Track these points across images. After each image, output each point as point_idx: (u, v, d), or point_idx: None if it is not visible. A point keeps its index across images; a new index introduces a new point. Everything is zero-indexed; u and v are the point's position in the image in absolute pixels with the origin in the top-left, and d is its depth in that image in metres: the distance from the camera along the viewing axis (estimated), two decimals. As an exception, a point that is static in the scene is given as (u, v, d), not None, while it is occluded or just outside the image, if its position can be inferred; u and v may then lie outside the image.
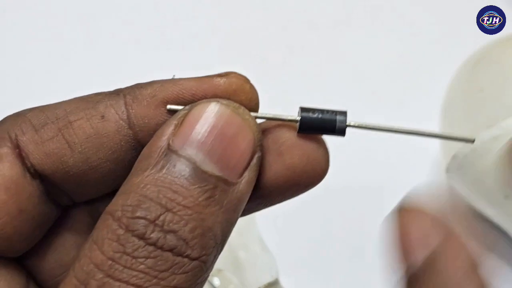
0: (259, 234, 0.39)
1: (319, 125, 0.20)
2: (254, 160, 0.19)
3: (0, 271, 0.22)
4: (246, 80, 0.21)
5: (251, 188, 0.20)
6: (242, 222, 0.35)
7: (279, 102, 0.39)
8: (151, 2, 0.58)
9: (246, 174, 0.19)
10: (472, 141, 0.21)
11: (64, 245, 0.23)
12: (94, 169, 0.21)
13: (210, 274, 0.32)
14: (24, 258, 0.22)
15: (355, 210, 0.43)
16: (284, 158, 0.20)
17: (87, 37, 0.56)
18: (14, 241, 0.21)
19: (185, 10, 0.57)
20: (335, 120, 0.20)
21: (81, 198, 0.22)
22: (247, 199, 0.20)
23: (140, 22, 0.56)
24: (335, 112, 0.20)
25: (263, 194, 0.21)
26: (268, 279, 0.36)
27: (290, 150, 0.20)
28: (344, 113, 0.20)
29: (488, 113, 0.37)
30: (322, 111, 0.20)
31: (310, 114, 0.20)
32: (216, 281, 0.35)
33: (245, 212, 0.21)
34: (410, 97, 0.49)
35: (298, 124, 0.20)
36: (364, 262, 0.41)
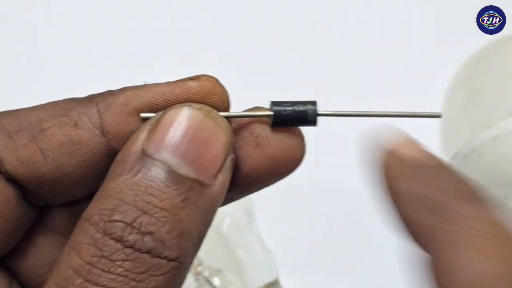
0: (259, 234, 0.39)
1: (291, 118, 0.20)
2: (228, 162, 0.19)
3: None
4: (217, 82, 0.21)
5: (226, 189, 0.20)
6: (242, 222, 0.37)
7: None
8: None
9: (220, 175, 0.19)
10: (439, 116, 0.20)
11: (46, 245, 0.23)
12: (67, 176, 0.21)
13: (211, 274, 0.35)
14: (6, 259, 0.22)
15: (356, 210, 0.41)
16: (263, 148, 0.21)
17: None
18: None
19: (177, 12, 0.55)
20: (306, 111, 0.20)
21: (56, 201, 0.22)
22: (222, 199, 0.20)
23: (138, 20, 0.54)
24: (305, 103, 0.20)
25: (244, 183, 0.21)
26: (268, 279, 0.36)
27: (267, 140, 0.21)
28: (314, 103, 0.20)
29: (488, 113, 0.37)
30: (293, 103, 0.20)
31: (282, 108, 0.20)
32: (216, 281, 0.35)
33: (227, 201, 0.20)
34: (410, 96, 0.46)
35: (271, 119, 0.20)
36: (364, 262, 0.41)
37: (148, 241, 0.18)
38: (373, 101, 0.54)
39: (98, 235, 0.18)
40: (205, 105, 0.20)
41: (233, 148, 0.20)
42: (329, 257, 0.41)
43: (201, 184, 0.19)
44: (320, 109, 0.20)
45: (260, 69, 0.53)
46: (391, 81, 0.49)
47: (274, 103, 0.20)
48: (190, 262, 0.19)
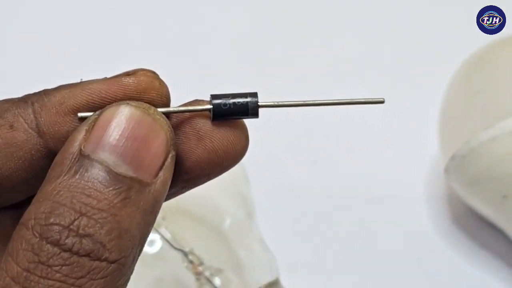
0: (260, 234, 0.38)
1: (232, 110, 0.20)
2: (169, 160, 0.20)
3: None
4: (155, 77, 0.21)
5: (168, 186, 0.20)
6: (243, 223, 0.37)
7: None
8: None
9: (161, 173, 0.19)
10: (382, 101, 0.20)
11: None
12: (6, 179, 0.21)
13: (211, 273, 0.34)
14: None
15: (356, 211, 0.43)
16: (204, 142, 0.21)
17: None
18: None
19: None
20: (246, 103, 0.20)
21: (4, 203, 0.22)
22: (163, 198, 0.20)
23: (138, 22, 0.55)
24: (246, 95, 0.21)
25: (188, 178, 0.21)
26: (268, 278, 0.36)
27: (209, 134, 0.21)
28: (255, 95, 0.20)
29: (486, 114, 0.38)
30: (233, 95, 0.20)
31: (221, 101, 0.20)
32: (217, 280, 0.34)
33: (171, 196, 0.21)
34: (409, 97, 0.48)
35: (211, 113, 0.21)
36: (364, 261, 0.41)
37: (86, 244, 0.18)
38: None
39: (35, 240, 0.18)
40: (142, 102, 0.20)
41: (173, 144, 0.20)
42: (330, 257, 0.42)
43: (141, 182, 0.19)
44: (262, 100, 0.20)
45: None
46: (390, 81, 0.49)
47: (213, 96, 0.20)
48: (133, 263, 0.19)
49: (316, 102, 0.21)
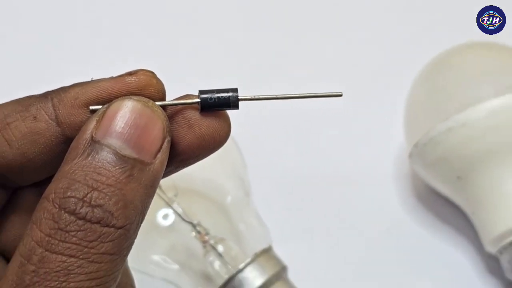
0: (255, 210, 0.41)
1: (216, 103, 0.23)
2: (165, 144, 0.22)
3: None
4: (153, 76, 0.23)
5: (164, 166, 0.22)
6: (241, 201, 0.40)
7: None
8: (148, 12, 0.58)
9: (159, 155, 0.22)
10: (340, 95, 0.24)
11: (19, 221, 0.25)
12: (31, 161, 0.23)
13: (215, 242, 0.37)
14: None
15: (336, 190, 0.46)
16: (194, 129, 0.23)
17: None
18: None
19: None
20: (228, 97, 0.23)
21: (24, 183, 0.24)
22: (161, 175, 0.22)
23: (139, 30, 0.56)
24: (228, 90, 0.23)
25: (181, 159, 0.23)
26: (263, 246, 0.38)
27: (198, 122, 0.23)
28: (235, 90, 0.23)
29: (444, 109, 0.40)
30: (218, 91, 0.23)
31: (208, 96, 0.23)
32: (220, 248, 0.38)
33: (167, 174, 0.24)
34: (382, 95, 0.51)
35: (199, 105, 0.23)
36: (342, 231, 0.45)
37: (97, 213, 0.20)
38: (356, 98, 0.50)
39: (55, 210, 0.20)
40: (143, 97, 0.22)
41: (169, 131, 0.22)
42: (313, 228, 0.45)
43: (142, 163, 0.21)
44: (241, 95, 0.23)
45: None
46: (390, 81, 0.51)
47: (201, 92, 0.23)
48: (136, 229, 0.21)
49: (284, 96, 0.24)
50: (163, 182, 0.33)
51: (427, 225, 0.46)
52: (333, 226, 0.45)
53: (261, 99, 0.24)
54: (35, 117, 0.23)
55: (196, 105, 0.23)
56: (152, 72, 0.23)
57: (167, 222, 0.39)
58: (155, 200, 0.33)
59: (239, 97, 0.22)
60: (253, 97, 0.23)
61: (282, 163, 0.47)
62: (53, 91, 0.23)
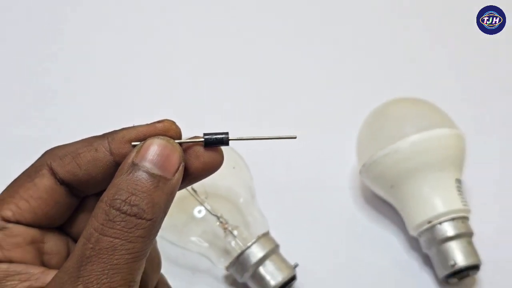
0: (258, 207, 0.46)
1: (214, 142, 0.25)
2: (180, 167, 0.24)
3: (50, 236, 0.27)
4: (173, 123, 0.25)
5: (179, 182, 0.24)
6: (249, 200, 0.43)
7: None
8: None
9: (176, 175, 0.24)
10: (295, 137, 0.26)
11: (85, 218, 0.27)
12: (93, 178, 0.25)
13: (232, 228, 0.41)
14: (64, 227, 0.27)
15: (310, 195, 0.51)
16: (199, 159, 0.25)
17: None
18: (55, 219, 0.27)
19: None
20: (222, 138, 0.25)
21: (89, 193, 0.27)
22: (178, 187, 0.24)
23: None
24: (222, 133, 0.25)
25: (190, 178, 0.26)
26: (263, 231, 0.43)
27: (202, 154, 0.25)
28: (227, 133, 0.25)
29: (382, 141, 0.46)
30: (215, 133, 0.25)
31: (208, 137, 0.25)
32: (235, 232, 0.43)
33: (182, 187, 0.25)
34: (342, 130, 0.54)
35: (202, 142, 0.25)
36: (315, 221, 0.49)
37: (134, 209, 0.22)
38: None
39: (107, 208, 0.22)
40: (166, 137, 0.24)
41: (183, 159, 0.24)
42: (294, 219, 0.50)
43: (165, 179, 0.23)
44: (231, 136, 0.25)
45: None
46: (347, 124, 0.52)
47: (205, 134, 0.25)
48: (160, 221, 0.24)
49: (259, 137, 0.26)
50: (197, 188, 0.41)
51: (371, 218, 0.50)
52: (309, 219, 0.50)
53: (243, 139, 0.26)
54: (96, 149, 0.25)
55: (201, 143, 0.25)
56: (173, 121, 0.25)
57: (200, 215, 0.43)
58: (193, 200, 0.40)
59: (229, 138, 0.25)
60: (238, 138, 0.26)
61: (275, 177, 0.51)
62: (109, 133, 0.26)
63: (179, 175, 0.25)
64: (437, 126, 0.45)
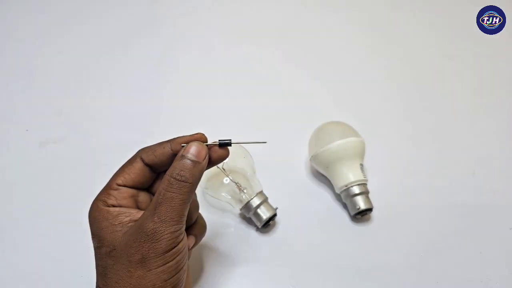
0: (258, 178, 0.64)
1: (224, 144, 0.38)
2: (206, 157, 0.38)
3: (141, 193, 0.41)
4: (203, 134, 0.39)
5: (206, 165, 0.38)
6: (252, 174, 0.64)
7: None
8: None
9: (204, 161, 0.38)
10: (265, 142, 0.36)
11: (159, 183, 0.41)
12: (162, 162, 0.41)
13: (244, 188, 0.62)
14: (148, 188, 0.42)
15: (277, 174, 0.64)
16: (216, 153, 0.39)
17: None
18: (143, 184, 0.41)
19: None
20: (228, 142, 0.39)
21: (161, 170, 0.42)
22: (205, 167, 0.38)
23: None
24: (228, 139, 0.38)
25: (212, 163, 0.40)
26: (259, 189, 0.62)
27: (217, 151, 0.39)
28: (230, 140, 0.37)
29: (321, 144, 0.65)
30: (224, 140, 0.38)
31: (222, 141, 0.38)
32: (245, 191, 0.61)
33: (208, 168, 0.38)
34: (302, 137, 0.68)
35: (218, 144, 0.38)
36: (279, 194, 0.64)
37: (183, 178, 0.38)
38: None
39: (168, 178, 0.38)
40: (199, 141, 0.38)
41: (207, 153, 0.38)
42: (272, 188, 0.63)
43: (199, 162, 0.38)
44: (233, 141, 0.37)
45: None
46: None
47: (220, 140, 0.38)
48: (196, 185, 0.38)
49: (242, 142, 0.38)
50: (225, 167, 0.59)
51: (316, 184, 0.66)
52: (282, 185, 0.66)
53: (237, 143, 0.40)
54: (164, 148, 0.41)
55: (217, 144, 0.39)
56: (203, 133, 0.40)
57: (226, 182, 0.61)
58: (222, 175, 0.62)
59: (231, 142, 0.38)
60: (236, 142, 0.38)
61: (263, 163, 0.64)
62: (170, 139, 0.40)
63: (205, 161, 0.39)
64: (350, 136, 0.64)
